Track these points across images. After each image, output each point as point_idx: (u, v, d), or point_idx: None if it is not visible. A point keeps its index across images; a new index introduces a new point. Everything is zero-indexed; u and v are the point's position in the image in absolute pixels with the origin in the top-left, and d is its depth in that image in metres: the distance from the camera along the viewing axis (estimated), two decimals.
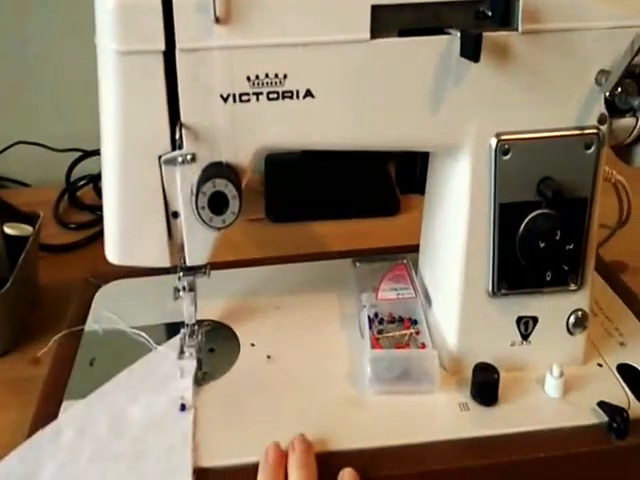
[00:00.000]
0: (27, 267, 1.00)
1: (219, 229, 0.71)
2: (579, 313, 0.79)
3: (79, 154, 1.37)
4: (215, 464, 0.71)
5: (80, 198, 1.33)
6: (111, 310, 0.90)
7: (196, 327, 0.84)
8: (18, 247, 0.99)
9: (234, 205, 0.69)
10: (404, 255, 0.94)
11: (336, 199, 1.28)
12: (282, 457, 0.69)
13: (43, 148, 1.36)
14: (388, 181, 1.32)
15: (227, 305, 0.91)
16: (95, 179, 1.33)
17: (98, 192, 1.32)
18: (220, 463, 0.71)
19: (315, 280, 0.95)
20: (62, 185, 1.35)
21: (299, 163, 1.32)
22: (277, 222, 1.24)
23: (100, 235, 1.15)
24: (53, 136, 1.36)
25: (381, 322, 0.84)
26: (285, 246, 1.13)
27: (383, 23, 0.68)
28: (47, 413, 0.77)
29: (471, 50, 0.66)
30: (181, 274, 0.79)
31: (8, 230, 1.01)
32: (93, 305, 0.93)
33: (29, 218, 1.06)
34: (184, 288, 0.80)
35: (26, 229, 1.03)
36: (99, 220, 1.20)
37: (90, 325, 0.89)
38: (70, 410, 0.77)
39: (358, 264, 0.95)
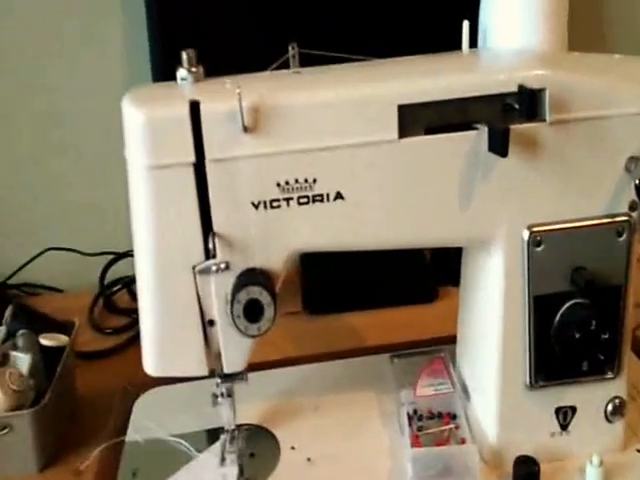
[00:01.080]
0: (65, 378, 1.01)
1: (255, 336, 0.74)
2: (617, 401, 0.80)
3: (111, 257, 1.41)
4: None
5: (115, 302, 1.35)
6: (151, 419, 0.92)
7: (236, 432, 0.86)
8: (54, 357, 1.01)
9: (269, 312, 0.72)
10: (442, 347, 0.95)
11: (372, 288, 1.29)
12: None
13: (74, 253, 1.40)
14: (424, 268, 1.33)
15: (266, 408, 0.93)
16: (129, 282, 1.37)
17: (133, 295, 1.35)
18: None
19: (353, 378, 0.97)
20: (95, 289, 1.37)
21: (335, 254, 1.35)
22: (314, 314, 1.25)
23: (136, 338, 1.19)
24: (84, 240, 1.40)
25: (420, 418, 0.85)
26: (322, 339, 1.14)
27: (410, 122, 0.71)
28: None
29: (499, 145, 0.69)
30: (219, 381, 0.81)
31: (44, 341, 1.03)
32: (133, 414, 0.95)
33: (64, 326, 1.08)
34: (222, 394, 0.82)
35: (62, 339, 1.05)
36: (135, 323, 1.23)
37: (131, 435, 0.91)
38: None
39: (395, 360, 0.96)
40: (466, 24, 0.79)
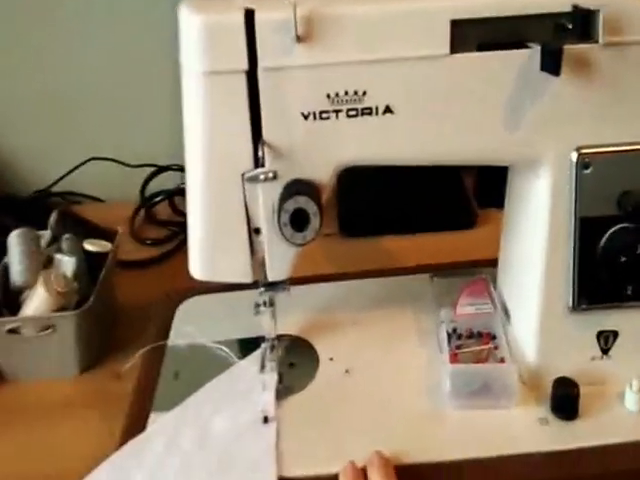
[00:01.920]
0: (107, 283, 1.05)
1: (300, 245, 0.76)
2: None
3: (153, 169, 1.44)
4: (299, 474, 0.75)
5: (156, 214, 1.39)
6: (192, 325, 0.95)
7: (276, 342, 0.89)
8: (97, 263, 1.05)
9: (315, 222, 0.74)
10: (482, 270, 0.97)
11: (411, 213, 1.31)
12: (360, 473, 0.73)
13: (117, 163, 1.42)
14: (464, 194, 1.34)
15: (306, 320, 0.96)
16: (170, 194, 1.40)
17: (174, 208, 1.38)
18: (303, 473, 0.75)
19: (392, 295, 0.99)
20: (137, 200, 1.41)
21: (373, 177, 1.36)
22: (350, 237, 1.27)
23: (176, 250, 1.24)
24: (127, 151, 1.43)
25: (459, 337, 0.87)
26: (358, 261, 1.16)
27: (462, 38, 0.72)
28: (136, 425, 0.83)
29: (552, 64, 0.69)
30: (262, 289, 0.84)
31: (88, 247, 1.07)
32: (174, 321, 0.98)
33: (107, 234, 1.11)
34: (265, 303, 0.85)
35: (105, 245, 1.09)
36: (175, 236, 1.28)
37: (173, 340, 0.95)
38: (158, 422, 0.82)
39: (436, 279, 0.98)
40: None
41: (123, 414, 0.86)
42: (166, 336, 0.95)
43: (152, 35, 1.35)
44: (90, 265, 1.05)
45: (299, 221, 0.74)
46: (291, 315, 0.94)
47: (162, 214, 1.39)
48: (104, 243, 1.09)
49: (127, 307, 1.12)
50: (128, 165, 1.43)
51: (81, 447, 0.86)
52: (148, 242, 1.30)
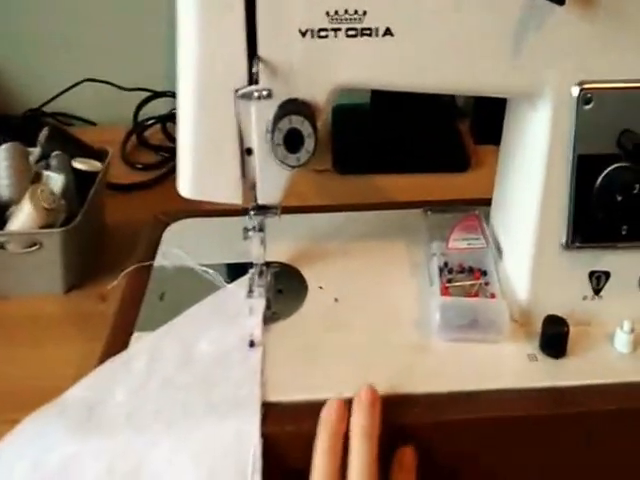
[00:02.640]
0: (95, 204, 1.05)
1: (293, 167, 0.75)
2: None
3: (147, 94, 1.42)
4: (282, 399, 0.75)
5: (148, 138, 1.38)
6: (180, 247, 0.95)
7: (265, 268, 0.88)
8: (86, 182, 1.05)
9: (309, 143, 0.73)
10: (476, 208, 0.96)
11: (405, 152, 1.31)
12: (345, 412, 0.72)
13: (111, 86, 1.41)
14: (458, 136, 1.34)
15: (295, 248, 0.95)
16: (163, 119, 1.38)
17: (166, 133, 1.37)
18: (288, 398, 0.75)
19: (385, 228, 0.99)
20: (129, 125, 1.40)
21: (367, 114, 1.35)
22: (343, 174, 1.27)
23: (167, 176, 1.23)
24: (122, 75, 1.41)
25: (450, 272, 0.87)
26: (351, 198, 1.17)
27: None
28: (118, 344, 0.82)
29: None
30: (252, 213, 0.83)
31: (77, 165, 1.06)
32: (162, 242, 0.97)
33: (98, 154, 1.11)
34: (254, 228, 0.84)
35: (95, 165, 1.09)
36: (166, 161, 1.28)
37: (159, 261, 0.94)
38: (141, 341, 0.82)
39: (429, 213, 0.97)
40: None
41: (106, 334, 0.85)
42: (153, 258, 0.95)
43: None
44: (79, 184, 1.05)
45: (293, 142, 0.73)
46: (281, 242, 0.94)
47: (154, 139, 1.38)
48: (94, 162, 1.09)
49: (115, 230, 1.13)
50: (123, 88, 1.41)
51: (63, 366, 0.86)
52: (139, 166, 1.30)
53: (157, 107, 1.41)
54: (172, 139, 1.34)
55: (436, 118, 1.38)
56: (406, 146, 1.32)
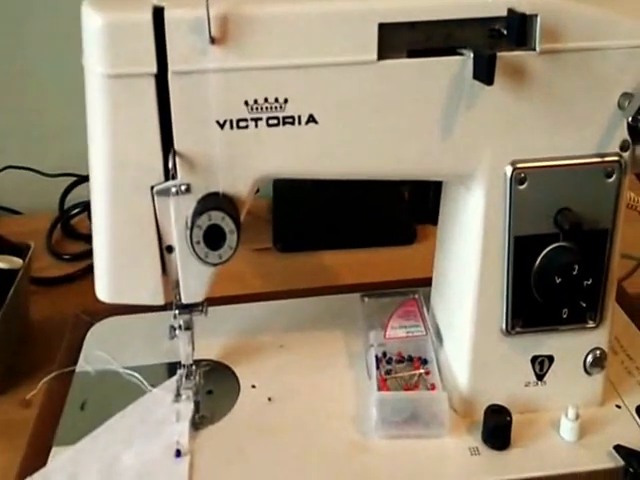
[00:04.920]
0: (16, 302, 0.99)
1: (215, 265, 0.72)
2: (597, 352, 0.79)
3: (73, 179, 1.38)
4: None
5: (74, 227, 1.33)
6: (104, 349, 0.90)
7: (193, 368, 0.84)
8: (7, 281, 0.99)
9: (231, 239, 0.70)
10: (416, 289, 0.94)
11: (348, 227, 1.27)
12: None
13: (34, 173, 1.36)
14: (403, 208, 1.32)
15: (227, 344, 0.91)
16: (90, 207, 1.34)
17: None
18: None
19: (321, 316, 0.96)
20: (55, 212, 1.35)
21: (309, 188, 1.32)
22: (285, 252, 1.23)
23: None
24: (45, 160, 1.37)
25: (389, 362, 0.84)
26: (293, 277, 1.13)
27: (391, 43, 0.68)
28: (35, 460, 0.77)
29: (484, 72, 0.66)
30: (177, 312, 0.79)
31: None
32: (85, 344, 0.93)
33: (19, 249, 1.06)
34: (180, 327, 0.80)
35: (16, 262, 1.03)
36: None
37: (81, 366, 0.89)
38: (59, 457, 0.77)
39: (367, 299, 0.95)
40: None
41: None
42: (75, 361, 0.90)
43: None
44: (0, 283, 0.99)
45: (214, 238, 0.70)
46: (211, 338, 0.90)
47: (81, 227, 1.33)
48: (14, 259, 1.04)
49: (42, 327, 1.07)
50: (46, 174, 1.37)
51: None
52: (66, 257, 1.25)
53: (84, 192, 1.36)
54: None
55: (380, 189, 1.35)
56: (350, 220, 1.29)
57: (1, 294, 0.97)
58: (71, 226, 1.33)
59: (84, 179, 1.36)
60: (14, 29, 1.31)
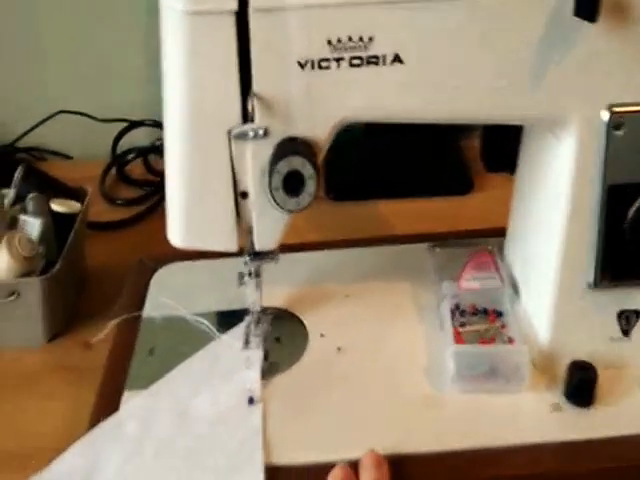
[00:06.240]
0: (76, 247, 0.98)
1: (293, 212, 0.68)
2: None
3: (125, 125, 1.34)
4: (286, 462, 0.69)
5: (128, 173, 1.30)
6: (169, 295, 0.88)
7: (262, 315, 0.82)
8: (65, 224, 0.98)
9: (311, 186, 0.66)
10: (487, 240, 0.90)
11: (402, 175, 1.23)
12: (352, 477, 0.66)
13: (87, 118, 1.33)
14: (460, 157, 1.26)
15: (294, 292, 0.88)
16: (144, 152, 1.31)
17: (147, 166, 1.30)
18: (292, 461, 0.69)
19: (388, 266, 0.92)
20: (107, 158, 1.32)
21: (361, 135, 1.28)
22: (337, 201, 1.19)
23: (150, 212, 1.17)
24: (98, 105, 1.33)
25: (463, 314, 0.80)
26: (347, 228, 1.09)
27: None
28: (108, 404, 0.76)
29: (587, 8, 0.61)
30: (248, 259, 0.76)
31: (55, 207, 0.99)
32: (150, 290, 0.91)
33: (76, 193, 1.04)
34: (250, 274, 0.78)
35: (74, 206, 1.02)
36: (148, 196, 1.21)
37: (148, 312, 0.87)
38: (132, 402, 0.75)
39: (437, 250, 0.91)
40: None
41: (93, 389, 0.80)
42: (141, 306, 0.88)
43: None
44: (57, 227, 0.98)
45: (293, 185, 0.66)
46: (278, 286, 0.86)
47: (135, 173, 1.29)
48: (73, 203, 1.02)
49: (98, 272, 1.05)
50: (99, 119, 1.33)
51: (48, 424, 0.80)
52: (120, 202, 1.22)
53: (136, 138, 1.33)
54: (154, 172, 1.26)
55: (435, 135, 1.30)
56: (403, 168, 1.24)
57: (60, 237, 0.96)
58: (124, 172, 1.30)
59: (135, 124, 1.34)
60: None
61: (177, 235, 0.73)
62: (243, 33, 0.64)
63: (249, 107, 0.66)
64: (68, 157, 1.38)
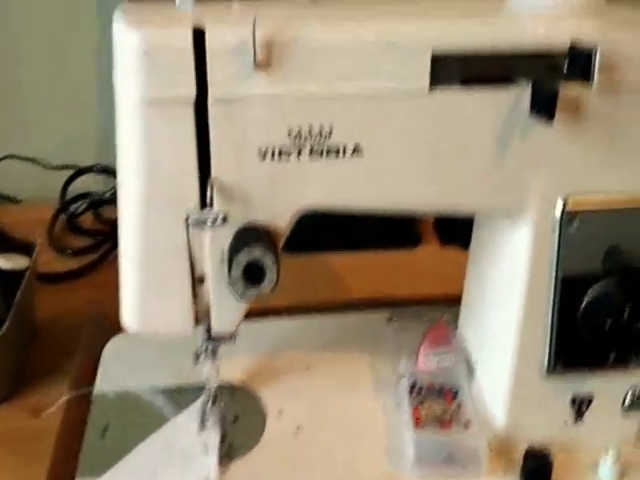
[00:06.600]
0: (25, 304, 0.94)
1: (253, 300, 0.67)
2: (637, 390, 0.76)
3: (73, 171, 1.32)
4: None
5: (77, 220, 1.26)
6: (122, 367, 0.86)
7: (218, 393, 0.79)
8: (12, 280, 0.94)
9: (271, 274, 0.65)
10: (441, 308, 0.90)
11: (353, 229, 1.21)
12: None
13: (35, 164, 1.31)
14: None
15: (252, 364, 0.87)
16: (95, 205, 1.28)
17: (97, 215, 1.27)
18: None
19: (347, 335, 0.91)
20: (56, 203, 1.28)
21: None
22: (289, 253, 1.18)
23: (101, 262, 1.14)
24: (46, 150, 1.31)
25: (420, 392, 0.80)
26: (299, 280, 1.06)
27: (443, 71, 0.64)
28: None
29: (545, 108, 0.62)
30: (204, 338, 0.75)
31: (2, 264, 0.96)
32: (102, 361, 0.88)
33: (24, 246, 1.00)
34: (206, 351, 0.76)
35: (22, 261, 0.98)
36: (99, 245, 1.17)
37: (100, 386, 0.85)
38: None
39: (394, 322, 0.91)
40: None
41: (43, 465, 0.76)
42: (93, 375, 0.85)
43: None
44: (4, 282, 0.94)
45: (253, 274, 0.65)
46: (233, 358, 0.84)
47: (85, 222, 1.26)
48: (20, 258, 0.98)
49: (47, 326, 1.00)
50: (47, 166, 1.31)
51: None
52: (69, 252, 1.18)
53: (85, 182, 1.31)
54: (104, 221, 1.24)
55: None
56: (355, 221, 1.24)
57: (7, 294, 0.92)
58: (73, 219, 1.26)
59: (85, 170, 1.32)
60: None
61: (131, 319, 0.71)
62: (202, 121, 0.63)
63: (208, 193, 0.65)
64: (16, 201, 1.34)
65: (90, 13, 1.19)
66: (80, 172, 1.31)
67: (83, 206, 1.29)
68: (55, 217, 1.26)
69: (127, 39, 0.61)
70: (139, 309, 0.70)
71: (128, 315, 0.71)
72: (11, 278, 0.94)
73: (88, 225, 1.25)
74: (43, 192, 1.30)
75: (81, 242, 1.21)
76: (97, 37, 1.23)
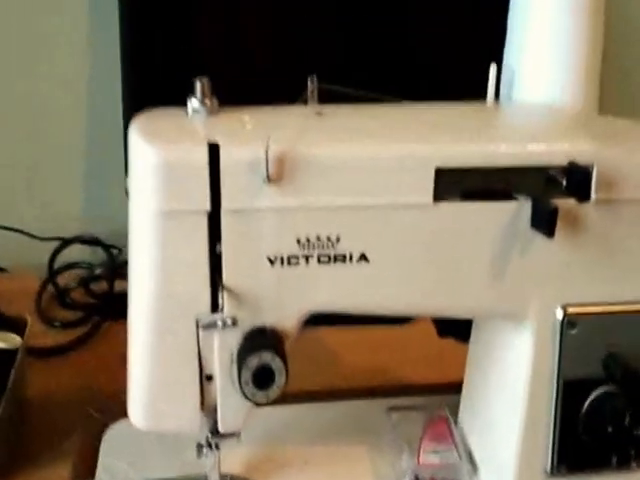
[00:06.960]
0: (18, 385, 0.96)
1: (261, 403, 0.72)
2: None
3: (60, 242, 1.36)
4: None
5: (65, 292, 1.30)
6: (122, 459, 0.89)
7: None
8: (2, 357, 0.96)
9: (280, 379, 0.70)
10: (440, 395, 0.95)
11: None
12: None
13: (21, 234, 1.35)
14: None
15: (252, 455, 0.90)
16: (84, 282, 1.32)
17: (86, 289, 1.31)
18: None
19: (346, 427, 0.95)
20: (44, 273, 1.33)
21: None
22: None
23: (91, 336, 1.17)
24: (32, 220, 1.37)
25: None
26: (299, 354, 1.12)
27: (446, 186, 0.70)
28: None
29: (545, 224, 0.68)
30: (209, 435, 0.79)
31: None
32: (102, 450, 0.91)
33: (13, 322, 1.03)
34: (210, 446, 0.80)
35: (13, 340, 1.01)
36: (87, 318, 1.21)
37: (100, 477, 0.88)
38: None
39: (394, 415, 0.95)
40: (493, 68, 0.80)
41: None
42: (92, 467, 0.89)
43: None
44: None
45: (262, 378, 0.70)
46: (234, 449, 0.86)
47: (73, 295, 1.31)
48: (11, 336, 1.01)
49: (39, 403, 1.02)
50: (33, 237, 1.36)
51: None
52: (57, 324, 1.22)
53: (72, 253, 1.36)
54: (93, 295, 1.29)
55: None
56: None
57: None
58: (61, 291, 1.31)
59: (71, 241, 1.36)
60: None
61: (140, 417, 0.76)
62: (215, 230, 0.69)
63: (219, 299, 0.70)
64: (3, 270, 1.38)
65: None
66: (66, 243, 1.35)
67: (73, 283, 1.33)
68: (43, 287, 1.30)
69: (146, 153, 0.67)
70: (146, 406, 0.75)
71: (136, 412, 0.75)
72: (1, 357, 0.97)
73: (77, 297, 1.30)
74: (31, 260, 1.34)
75: (69, 314, 1.25)
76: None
